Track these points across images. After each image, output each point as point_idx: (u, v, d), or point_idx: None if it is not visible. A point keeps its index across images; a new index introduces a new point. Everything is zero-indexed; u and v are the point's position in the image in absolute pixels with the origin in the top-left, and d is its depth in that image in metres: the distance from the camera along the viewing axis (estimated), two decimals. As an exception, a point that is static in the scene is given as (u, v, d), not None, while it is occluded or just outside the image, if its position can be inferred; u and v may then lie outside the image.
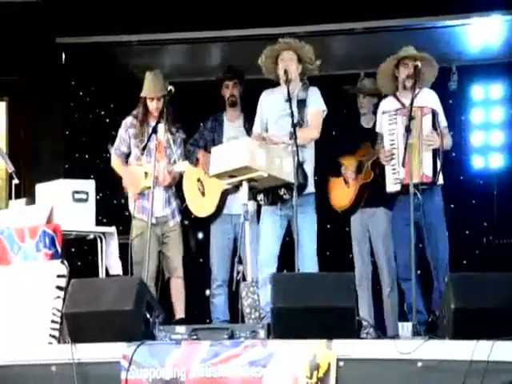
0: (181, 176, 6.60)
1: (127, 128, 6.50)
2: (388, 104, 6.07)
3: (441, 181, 5.90)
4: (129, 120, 6.52)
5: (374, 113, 6.59)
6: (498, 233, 7.77)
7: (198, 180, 6.67)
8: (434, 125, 5.83)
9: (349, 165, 6.63)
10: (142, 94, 6.44)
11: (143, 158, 6.35)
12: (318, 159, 6.09)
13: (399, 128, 5.83)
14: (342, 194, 6.65)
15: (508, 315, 4.58)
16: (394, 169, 5.85)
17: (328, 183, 6.70)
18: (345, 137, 6.69)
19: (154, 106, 6.40)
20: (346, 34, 7.49)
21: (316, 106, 6.01)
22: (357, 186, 6.58)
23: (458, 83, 6.16)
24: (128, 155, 6.53)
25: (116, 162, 6.55)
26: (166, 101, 6.24)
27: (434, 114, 5.85)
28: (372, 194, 6.54)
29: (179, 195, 6.66)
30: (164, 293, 6.38)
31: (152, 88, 6.40)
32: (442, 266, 5.76)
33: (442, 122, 5.99)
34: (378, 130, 6.17)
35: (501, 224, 7.77)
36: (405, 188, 5.73)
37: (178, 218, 6.49)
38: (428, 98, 5.97)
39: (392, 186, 5.90)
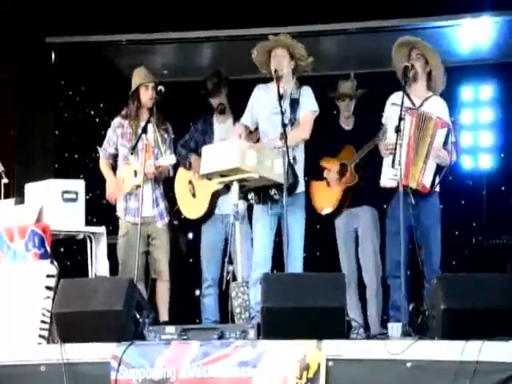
0: (172, 177, 6.59)
1: (115, 128, 6.48)
2: (399, 98, 5.90)
3: (437, 188, 5.89)
4: (117, 120, 6.50)
5: (354, 113, 6.66)
6: (487, 233, 7.77)
7: (190, 182, 6.67)
8: (446, 142, 5.81)
9: (331, 168, 6.62)
10: (136, 84, 6.40)
11: (131, 158, 6.33)
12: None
13: (406, 126, 5.74)
14: (325, 197, 6.61)
15: (497, 315, 4.60)
16: (393, 163, 5.78)
17: (310, 187, 6.53)
18: (326, 139, 6.60)
19: (148, 95, 6.36)
20: (338, 34, 7.50)
21: (308, 106, 6.00)
22: (340, 190, 6.56)
23: (447, 84, 6.15)
24: (116, 156, 6.50)
25: (103, 165, 6.53)
26: (155, 101, 6.23)
27: (449, 131, 5.82)
28: (355, 193, 6.53)
29: (169, 197, 6.64)
30: (150, 293, 6.38)
31: (144, 74, 6.40)
32: (434, 268, 5.74)
33: (451, 136, 5.93)
34: (383, 121, 6.09)
35: (490, 224, 7.79)
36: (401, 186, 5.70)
37: (166, 220, 6.42)
38: (438, 107, 5.95)
39: (387, 181, 5.81)
